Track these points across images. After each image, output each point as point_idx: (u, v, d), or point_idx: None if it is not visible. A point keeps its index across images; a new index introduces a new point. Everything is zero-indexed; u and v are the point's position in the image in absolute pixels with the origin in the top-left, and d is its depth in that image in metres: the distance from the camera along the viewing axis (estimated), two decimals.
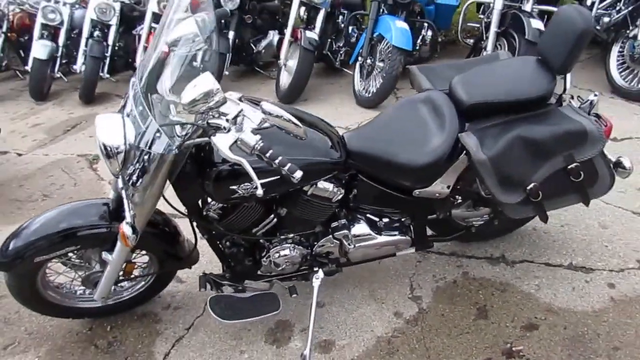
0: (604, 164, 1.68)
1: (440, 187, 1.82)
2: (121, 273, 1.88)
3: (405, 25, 3.74)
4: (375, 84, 3.91)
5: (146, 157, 1.46)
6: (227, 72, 4.50)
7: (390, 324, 1.95)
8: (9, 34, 5.29)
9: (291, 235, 1.85)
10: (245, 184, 1.55)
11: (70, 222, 1.74)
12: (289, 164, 1.34)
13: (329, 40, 4.56)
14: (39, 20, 4.95)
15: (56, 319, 2.06)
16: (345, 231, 1.86)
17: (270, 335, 1.95)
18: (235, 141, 1.34)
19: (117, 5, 4.83)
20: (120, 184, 1.62)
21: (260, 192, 1.35)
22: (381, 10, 4.06)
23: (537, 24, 3.32)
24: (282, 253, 1.84)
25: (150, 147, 1.43)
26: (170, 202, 1.73)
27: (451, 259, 2.25)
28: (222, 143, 1.34)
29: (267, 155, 1.34)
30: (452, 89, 1.79)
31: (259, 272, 1.93)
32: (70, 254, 1.82)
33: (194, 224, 1.75)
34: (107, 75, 4.90)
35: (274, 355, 1.88)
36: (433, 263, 2.23)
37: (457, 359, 1.78)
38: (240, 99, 1.67)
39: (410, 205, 1.88)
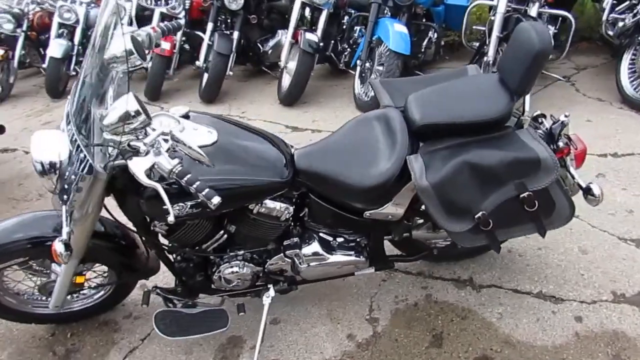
0: (561, 194, 1.56)
1: (393, 209, 1.74)
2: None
3: (404, 29, 3.62)
4: None
5: (77, 176, 1.45)
6: (231, 73, 4.47)
7: (341, 347, 1.89)
8: (29, 33, 5.47)
9: (242, 252, 1.83)
10: (179, 203, 1.52)
11: (24, 232, 1.76)
12: (206, 190, 1.31)
13: (333, 41, 4.48)
14: (56, 19, 5.11)
15: (23, 324, 2.11)
16: (297, 250, 1.82)
17: (220, 351, 1.93)
18: (153, 165, 1.33)
19: (128, 5, 4.90)
20: (59, 200, 1.63)
21: (172, 218, 1.33)
22: (385, 12, 3.95)
23: None
24: (232, 269, 1.82)
25: (79, 167, 1.43)
26: (115, 217, 1.75)
27: (417, 279, 2.16)
28: (137, 167, 1.32)
29: (185, 180, 1.31)
30: (406, 108, 1.70)
31: (213, 287, 1.92)
32: (30, 262, 1.86)
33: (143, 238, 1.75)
34: None
35: None
36: (397, 283, 2.15)
37: None
38: (186, 115, 1.66)
39: (363, 226, 1.82)
